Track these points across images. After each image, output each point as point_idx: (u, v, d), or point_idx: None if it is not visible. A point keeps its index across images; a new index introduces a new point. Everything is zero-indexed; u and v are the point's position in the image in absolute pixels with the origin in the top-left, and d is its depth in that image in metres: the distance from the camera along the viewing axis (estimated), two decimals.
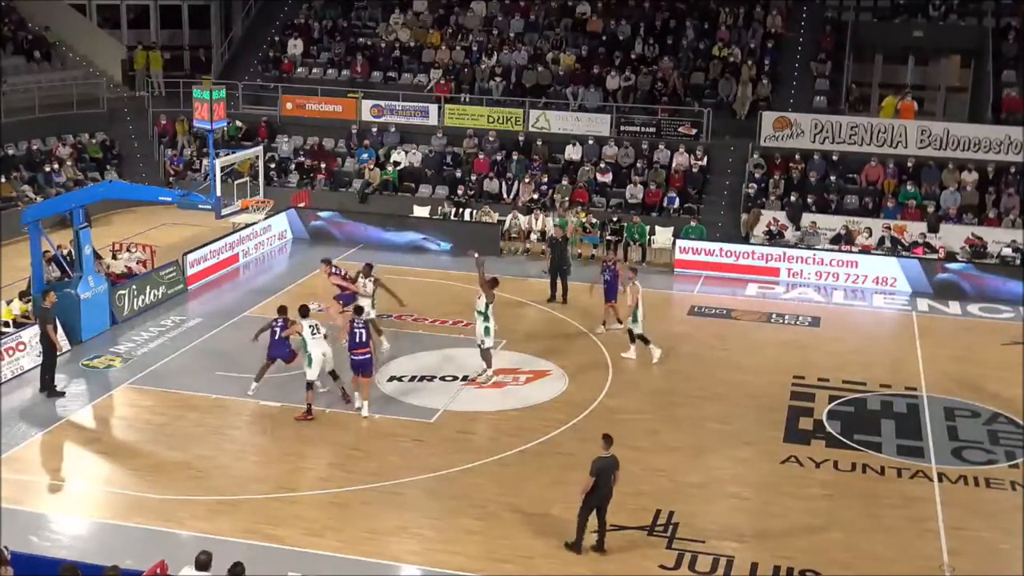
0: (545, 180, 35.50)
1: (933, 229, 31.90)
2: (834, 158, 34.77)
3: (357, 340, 20.50)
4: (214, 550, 13.48)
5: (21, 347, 22.59)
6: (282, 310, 21.76)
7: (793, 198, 33.59)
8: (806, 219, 32.89)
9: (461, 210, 34.67)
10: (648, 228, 32.59)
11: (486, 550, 16.23)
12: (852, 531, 16.92)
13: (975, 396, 22.39)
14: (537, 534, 16.72)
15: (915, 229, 32.03)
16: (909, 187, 33.57)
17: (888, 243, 31.65)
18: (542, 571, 15.78)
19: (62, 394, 21.41)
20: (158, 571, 13.50)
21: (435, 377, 22.72)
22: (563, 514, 17.23)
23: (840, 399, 22.14)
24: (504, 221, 33.32)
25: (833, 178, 34.36)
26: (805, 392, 22.44)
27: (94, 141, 37.88)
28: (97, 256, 26.24)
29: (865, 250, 31.23)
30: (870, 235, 31.94)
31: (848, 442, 20.20)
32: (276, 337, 21.39)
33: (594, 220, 32.59)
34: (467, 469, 18.76)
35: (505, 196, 35.39)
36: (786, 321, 27.17)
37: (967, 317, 27.85)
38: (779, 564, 15.95)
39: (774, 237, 32.47)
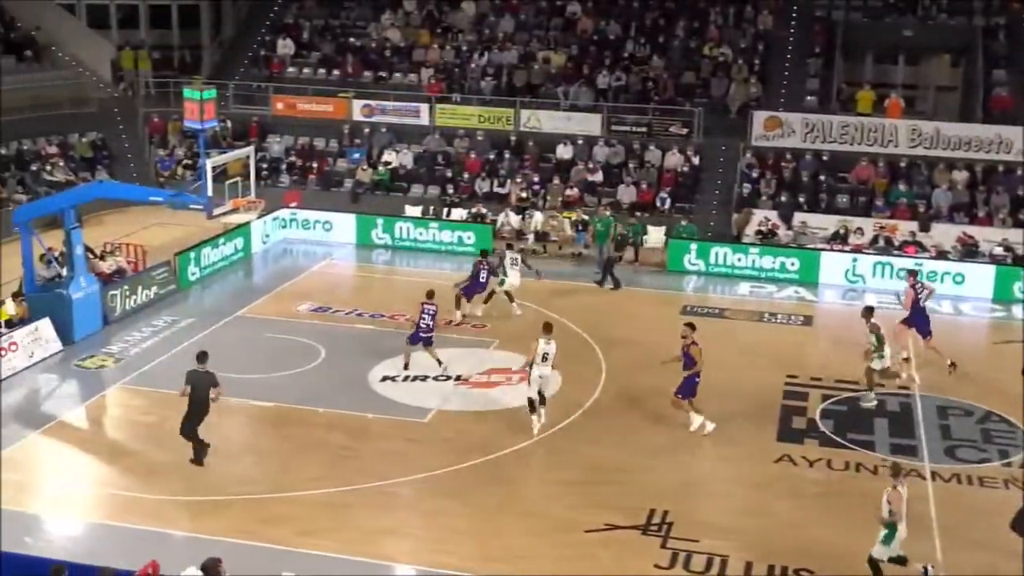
0: (536, 179, 35.49)
1: (924, 228, 31.97)
2: (825, 157, 34.83)
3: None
4: (207, 550, 13.47)
5: (13, 347, 22.52)
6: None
7: (784, 197, 33.64)
8: (797, 218, 32.95)
9: (451, 210, 34.69)
10: (641, 228, 32.58)
11: (479, 550, 16.23)
12: (846, 530, 16.90)
13: (968, 394, 22.42)
14: (530, 534, 16.72)
15: (906, 228, 32.11)
16: (900, 186, 33.64)
17: (881, 242, 31.72)
18: (534, 571, 15.77)
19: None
20: (150, 571, 13.45)
21: (428, 377, 22.68)
22: (556, 513, 17.27)
23: (833, 398, 22.17)
24: (496, 220, 33.30)
25: (824, 177, 34.41)
26: (798, 391, 22.46)
27: (84, 141, 37.77)
28: (90, 255, 26.19)
29: (858, 249, 31.27)
30: (863, 234, 31.99)
31: (841, 441, 20.23)
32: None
33: (585, 218, 32.59)
34: (460, 469, 18.75)
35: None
36: (779, 320, 27.20)
37: (961, 316, 27.91)
38: (773, 563, 15.96)
39: (766, 236, 32.51)
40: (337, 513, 17.17)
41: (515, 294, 26.81)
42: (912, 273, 24.61)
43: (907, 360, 23.49)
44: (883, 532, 15.16)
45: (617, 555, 16.20)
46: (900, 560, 15.27)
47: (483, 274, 26.25)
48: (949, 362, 23.23)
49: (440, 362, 22.78)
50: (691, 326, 20.42)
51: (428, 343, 22.68)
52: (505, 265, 26.84)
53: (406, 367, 22.76)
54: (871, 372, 21.86)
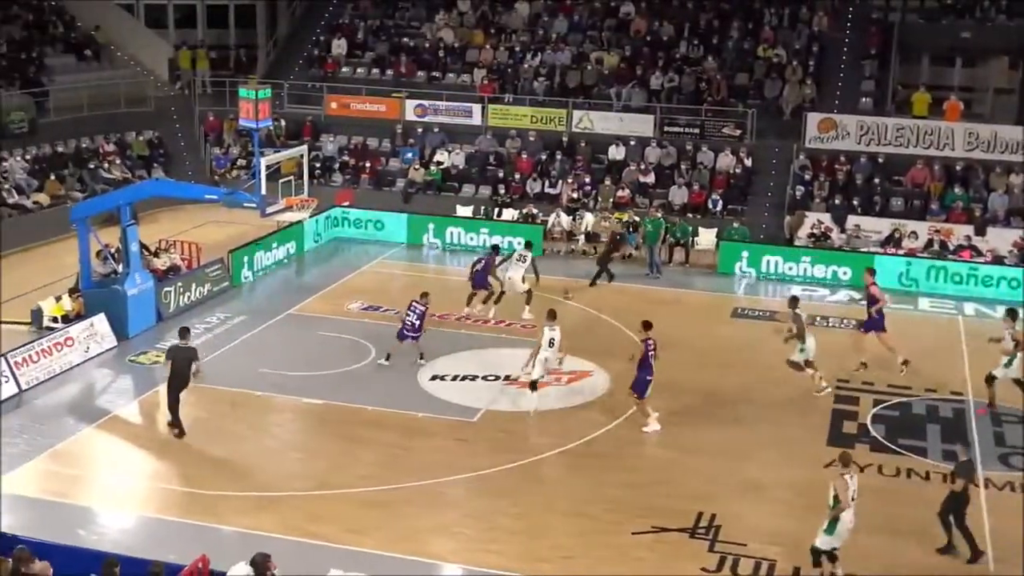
0: (588, 180, 35.47)
1: (980, 232, 31.58)
2: (880, 160, 34.51)
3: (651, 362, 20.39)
4: (256, 546, 13.62)
5: (69, 342, 22.86)
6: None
7: (838, 200, 33.37)
8: (851, 221, 32.68)
9: (502, 210, 34.76)
10: (691, 229, 32.47)
11: (525, 550, 16.25)
12: (896, 536, 16.76)
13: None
14: (577, 534, 16.72)
15: (961, 232, 31.75)
16: (956, 189, 33.26)
17: (936, 246, 31.38)
18: (580, 571, 15.78)
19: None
20: (200, 566, 13.61)
21: (477, 377, 22.75)
22: (602, 514, 17.25)
23: (885, 403, 21.96)
24: (547, 221, 33.32)
25: (878, 180, 34.09)
26: (850, 395, 22.26)
27: (141, 139, 38.22)
28: (145, 252, 26.52)
29: (912, 253, 30.97)
30: (917, 238, 31.68)
31: (893, 446, 20.04)
32: None
33: (636, 219, 32.51)
34: (508, 469, 18.78)
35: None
36: (831, 324, 26.97)
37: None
38: (822, 569, 15.83)
39: (819, 239, 32.27)
40: (384, 511, 17.25)
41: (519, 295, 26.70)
42: (870, 272, 24.35)
43: (865, 365, 23.50)
44: (827, 521, 15.23)
45: (664, 557, 16.16)
46: (831, 556, 15.33)
47: (481, 263, 26.25)
48: (902, 359, 23.22)
49: (421, 356, 23.21)
50: (647, 324, 20.67)
51: (400, 338, 22.95)
52: (509, 263, 26.75)
53: (387, 358, 23.12)
54: (795, 363, 22.17)
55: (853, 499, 15.25)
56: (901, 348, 23.53)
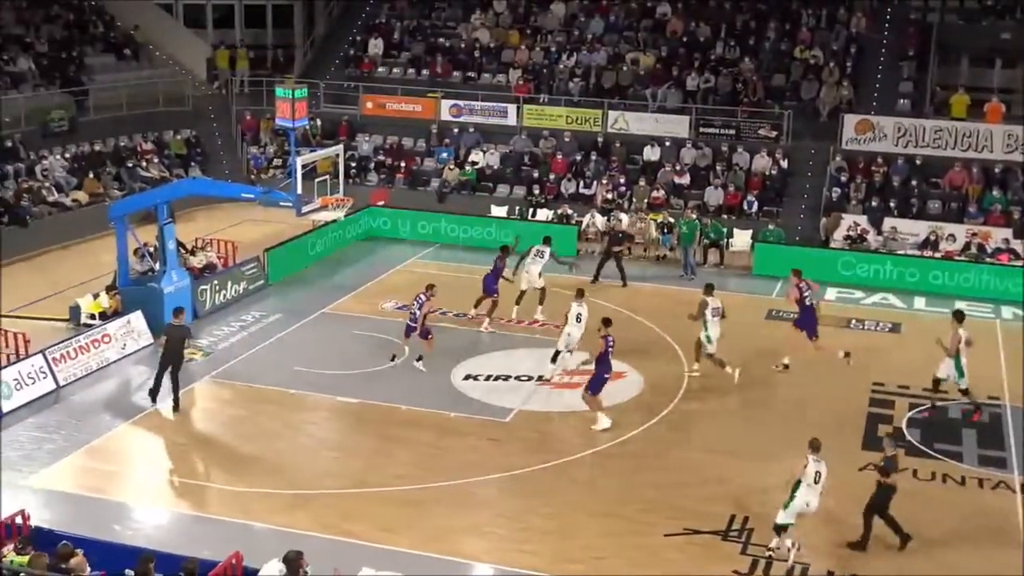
0: (623, 181, 35.42)
1: (1019, 235, 31.30)
2: (917, 162, 34.27)
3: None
4: (289, 544, 13.69)
5: (106, 339, 23.06)
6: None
7: (875, 202, 33.16)
8: (887, 224, 32.48)
9: (536, 210, 34.76)
10: (726, 230, 32.36)
11: (557, 550, 16.25)
12: (930, 542, 16.65)
13: None
14: (609, 535, 16.71)
15: (999, 235, 31.47)
16: (994, 192, 32.98)
17: (973, 249, 31.13)
18: (612, 572, 15.77)
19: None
20: (233, 563, 13.70)
21: (510, 377, 22.77)
22: (635, 515, 17.23)
23: (920, 407, 21.81)
24: (582, 222, 33.29)
25: (916, 182, 33.86)
26: (884, 399, 22.13)
27: (179, 138, 38.51)
28: (182, 250, 26.72)
29: (949, 256, 30.75)
30: (954, 241, 31.44)
31: (928, 451, 19.90)
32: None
33: (671, 220, 32.44)
34: (540, 469, 18.79)
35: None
36: (866, 327, 26.82)
37: None
38: (855, 573, 15.76)
39: (855, 241, 32.10)
40: (417, 510, 17.30)
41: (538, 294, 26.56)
42: (796, 272, 24.14)
43: (787, 367, 23.48)
44: (786, 497, 15.98)
45: (696, 559, 16.12)
46: (783, 528, 15.97)
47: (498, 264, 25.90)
48: (843, 353, 23.29)
49: (399, 354, 23.13)
50: (606, 321, 20.83)
51: (407, 333, 22.86)
52: (526, 260, 26.34)
53: (392, 359, 23.11)
54: (699, 346, 22.86)
55: (817, 482, 15.93)
56: (831, 347, 23.58)
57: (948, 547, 16.59)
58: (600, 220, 33.34)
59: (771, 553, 16.10)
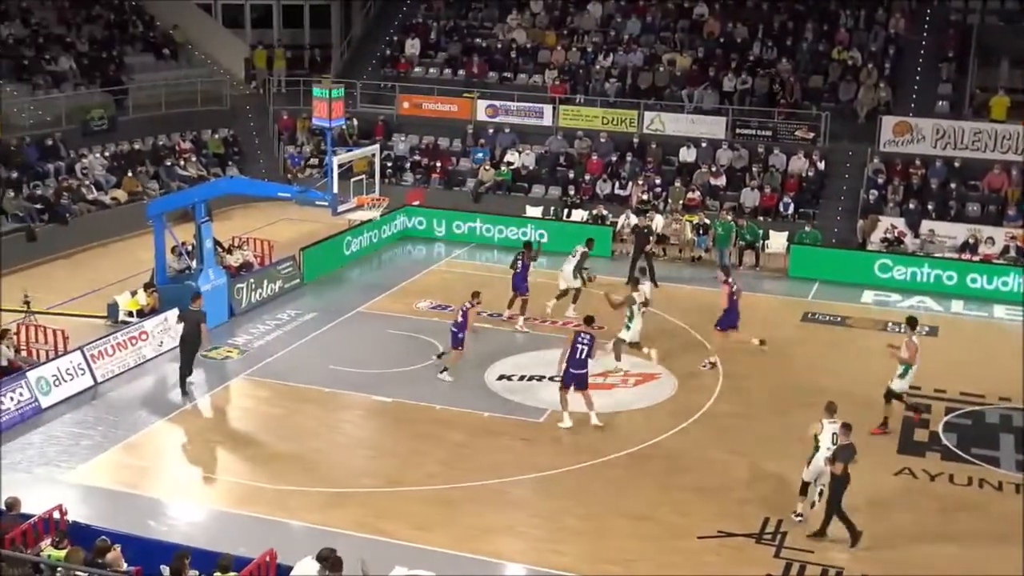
0: (658, 182, 35.35)
1: None
2: (956, 164, 34.00)
3: (578, 356, 20.45)
4: (323, 542, 13.72)
5: (143, 337, 23.25)
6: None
7: (912, 205, 32.92)
8: (925, 226, 32.25)
9: (571, 211, 34.74)
10: (762, 232, 32.22)
11: (590, 551, 16.26)
12: (966, 547, 16.55)
13: None
14: (642, 537, 16.70)
15: None
16: None
17: (1012, 252, 30.86)
18: (645, 574, 15.75)
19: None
20: (267, 560, 13.79)
21: (544, 377, 22.76)
22: (669, 518, 17.20)
23: (957, 411, 21.65)
24: (616, 222, 33.24)
25: (954, 185, 33.59)
26: (921, 403, 21.95)
27: (216, 137, 38.77)
28: (219, 248, 26.90)
29: (988, 259, 30.50)
30: (993, 244, 31.18)
31: (965, 456, 19.75)
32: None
33: (706, 222, 32.33)
34: (574, 470, 18.80)
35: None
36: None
37: None
38: (892, 574, 15.66)
39: (892, 244, 31.89)
40: (451, 509, 17.35)
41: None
42: (724, 271, 24.65)
43: (715, 365, 23.60)
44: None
45: (729, 562, 16.09)
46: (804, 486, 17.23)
47: (519, 265, 25.78)
48: (758, 341, 23.93)
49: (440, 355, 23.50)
50: (588, 320, 21.42)
51: (453, 343, 22.69)
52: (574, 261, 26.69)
53: (440, 355, 23.43)
54: (619, 343, 22.99)
55: (831, 447, 16.79)
56: (748, 337, 24.09)
57: (983, 552, 16.45)
58: (635, 221, 33.22)
59: (800, 518, 17.05)
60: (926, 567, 15.94)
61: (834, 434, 16.73)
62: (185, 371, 21.78)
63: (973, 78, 37.53)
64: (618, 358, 23.06)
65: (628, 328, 22.93)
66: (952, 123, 34.64)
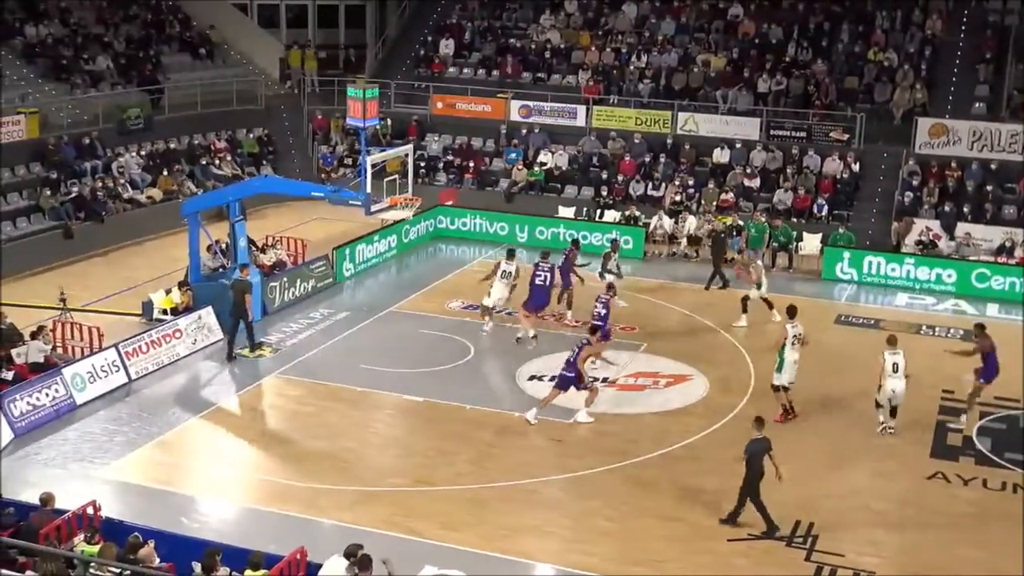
0: (691, 183, 35.26)
1: None
2: (993, 167, 33.73)
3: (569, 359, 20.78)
4: (353, 539, 13.80)
5: (177, 334, 23.42)
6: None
7: (948, 207, 32.68)
8: (960, 229, 32.00)
9: (604, 211, 34.71)
10: (795, 233, 32.06)
11: (619, 552, 16.25)
12: (999, 552, 16.40)
13: None
14: (671, 538, 16.67)
15: None
16: None
17: None
18: (674, 575, 15.72)
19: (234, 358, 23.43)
20: (298, 557, 13.87)
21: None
22: (698, 519, 17.17)
23: (992, 415, 21.47)
24: (649, 223, 33.17)
25: (990, 187, 33.31)
26: (955, 407, 21.79)
27: (251, 136, 38.99)
28: (253, 247, 27.06)
29: (1023, 263, 30.24)
30: None
31: (999, 460, 19.59)
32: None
33: (740, 223, 32.21)
34: (603, 470, 18.79)
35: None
36: (936, 333, 26.45)
37: None
38: (924, 574, 15.59)
39: (927, 247, 31.67)
40: (480, 509, 17.39)
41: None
42: (610, 287, 24.54)
43: (535, 337, 24.60)
44: (776, 363, 20.41)
45: (759, 565, 16.03)
46: (785, 388, 20.17)
47: (540, 276, 25.04)
48: (532, 334, 24.61)
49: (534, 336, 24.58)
50: (593, 329, 21.91)
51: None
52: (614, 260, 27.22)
53: (534, 338, 24.56)
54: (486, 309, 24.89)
55: (795, 344, 20.32)
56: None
57: (1017, 558, 16.30)
58: (668, 222, 33.15)
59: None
60: (958, 572, 15.82)
61: (795, 336, 20.34)
62: (231, 338, 23.37)
63: (1011, 80, 37.17)
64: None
65: (489, 296, 24.83)
66: (989, 125, 34.34)
